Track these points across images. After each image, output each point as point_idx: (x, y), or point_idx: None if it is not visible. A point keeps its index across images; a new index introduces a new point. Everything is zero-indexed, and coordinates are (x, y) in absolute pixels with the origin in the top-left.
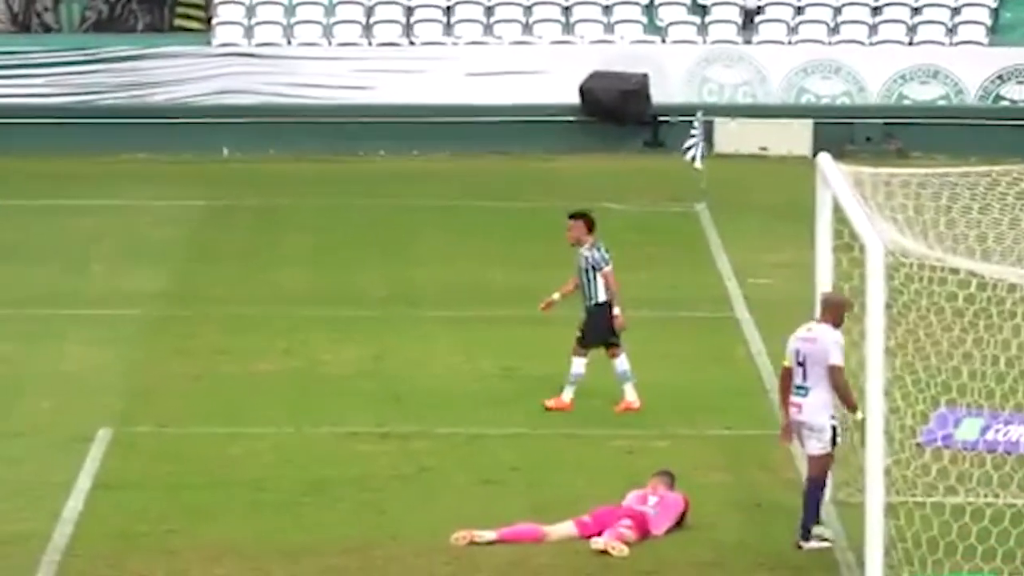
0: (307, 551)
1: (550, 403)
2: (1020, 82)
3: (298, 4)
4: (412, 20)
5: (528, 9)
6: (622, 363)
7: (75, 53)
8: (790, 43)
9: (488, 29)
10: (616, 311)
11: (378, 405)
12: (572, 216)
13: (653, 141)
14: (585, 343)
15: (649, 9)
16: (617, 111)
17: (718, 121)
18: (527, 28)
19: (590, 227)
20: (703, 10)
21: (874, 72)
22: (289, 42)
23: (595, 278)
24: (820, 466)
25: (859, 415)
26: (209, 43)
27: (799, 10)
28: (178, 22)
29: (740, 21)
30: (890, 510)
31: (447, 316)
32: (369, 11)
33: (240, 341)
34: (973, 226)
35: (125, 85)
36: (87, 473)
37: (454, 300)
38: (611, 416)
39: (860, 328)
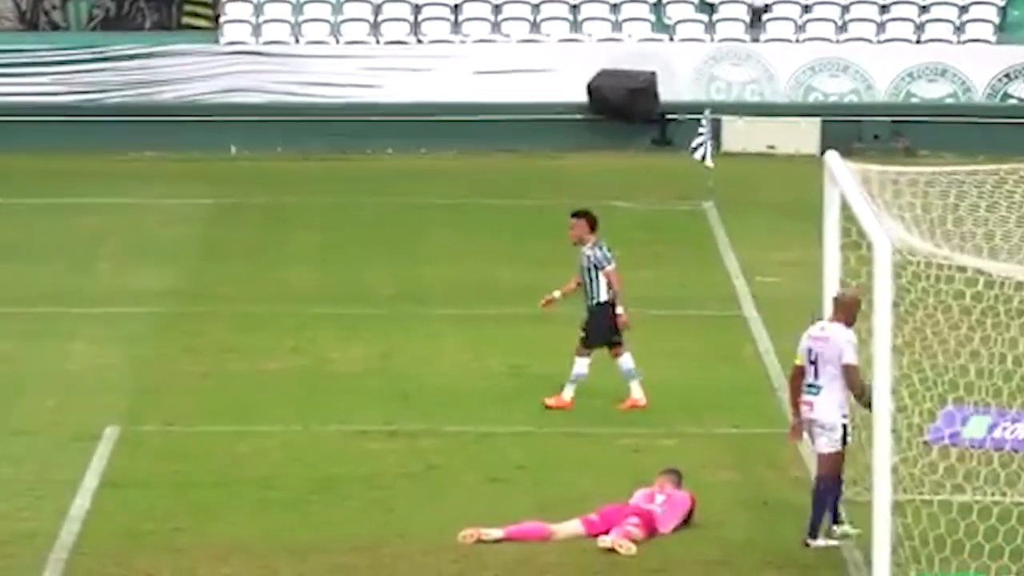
0: (315, 549)
1: (550, 402)
2: None
3: (306, 2)
4: (420, 18)
5: (536, 7)
6: (626, 361)
7: (83, 51)
8: (798, 41)
9: (496, 27)
10: (619, 310)
11: (386, 403)
12: (574, 215)
13: (661, 139)
14: (588, 343)
15: (657, 7)
16: (625, 109)
17: (726, 119)
18: (535, 26)
19: (592, 226)
20: (711, 8)
21: (882, 70)
22: (297, 40)
23: (597, 277)
24: (830, 464)
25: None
26: (217, 41)
27: (807, 8)
28: (186, 20)
29: (748, 19)
30: (897, 508)
31: (455, 314)
32: (377, 9)
33: (248, 339)
34: (980, 224)
35: (133, 83)
36: (94, 471)
37: (462, 298)
38: (618, 415)
39: (867, 326)
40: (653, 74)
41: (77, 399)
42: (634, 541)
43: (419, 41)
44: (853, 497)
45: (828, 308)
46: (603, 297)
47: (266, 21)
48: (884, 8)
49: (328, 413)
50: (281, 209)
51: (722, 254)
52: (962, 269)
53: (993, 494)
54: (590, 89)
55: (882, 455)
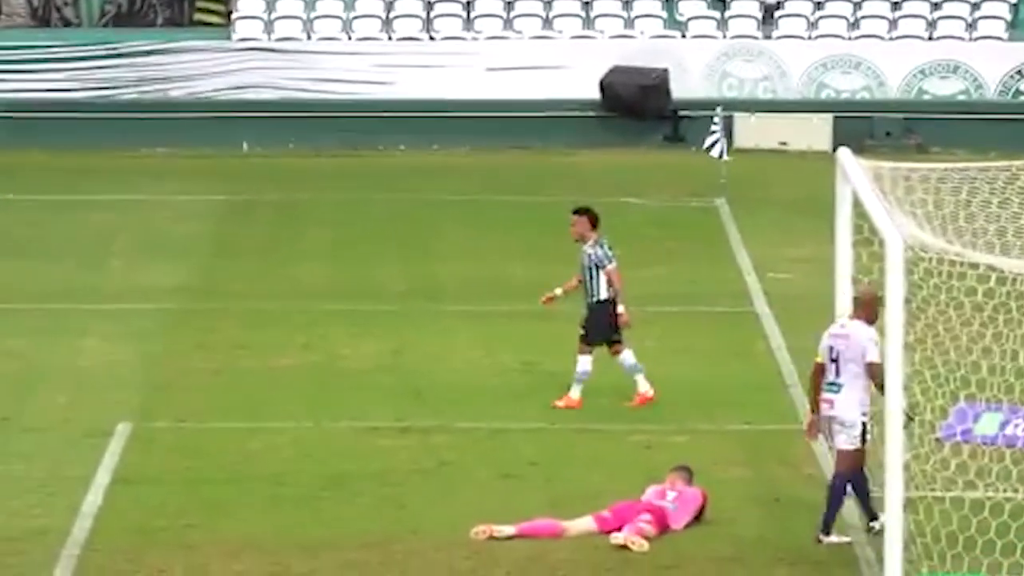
0: (326, 546)
1: (559, 403)
2: None
3: None
4: (432, 15)
5: (548, 4)
6: (628, 357)
7: (95, 48)
8: (810, 38)
9: (508, 24)
10: (620, 309)
11: (398, 399)
12: (576, 211)
13: (673, 136)
14: (589, 341)
15: (669, 4)
16: (637, 106)
17: (738, 116)
18: (547, 23)
19: (594, 223)
20: (723, 5)
21: (894, 67)
22: (309, 37)
23: (597, 275)
24: (849, 462)
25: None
26: (229, 38)
27: (819, 5)
28: (198, 17)
29: (760, 16)
30: (909, 505)
31: (467, 311)
32: (389, 6)
33: (259, 336)
34: (992, 221)
35: (145, 80)
36: (106, 468)
37: (474, 295)
38: (630, 411)
39: (879, 323)
40: (665, 71)
41: (89, 395)
42: (646, 538)
43: (431, 38)
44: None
45: (838, 304)
46: (603, 295)
47: (278, 18)
48: (896, 5)
49: (340, 409)
50: (293, 205)
51: (734, 250)
52: (974, 265)
53: (1005, 490)
54: (602, 86)
55: (894, 452)
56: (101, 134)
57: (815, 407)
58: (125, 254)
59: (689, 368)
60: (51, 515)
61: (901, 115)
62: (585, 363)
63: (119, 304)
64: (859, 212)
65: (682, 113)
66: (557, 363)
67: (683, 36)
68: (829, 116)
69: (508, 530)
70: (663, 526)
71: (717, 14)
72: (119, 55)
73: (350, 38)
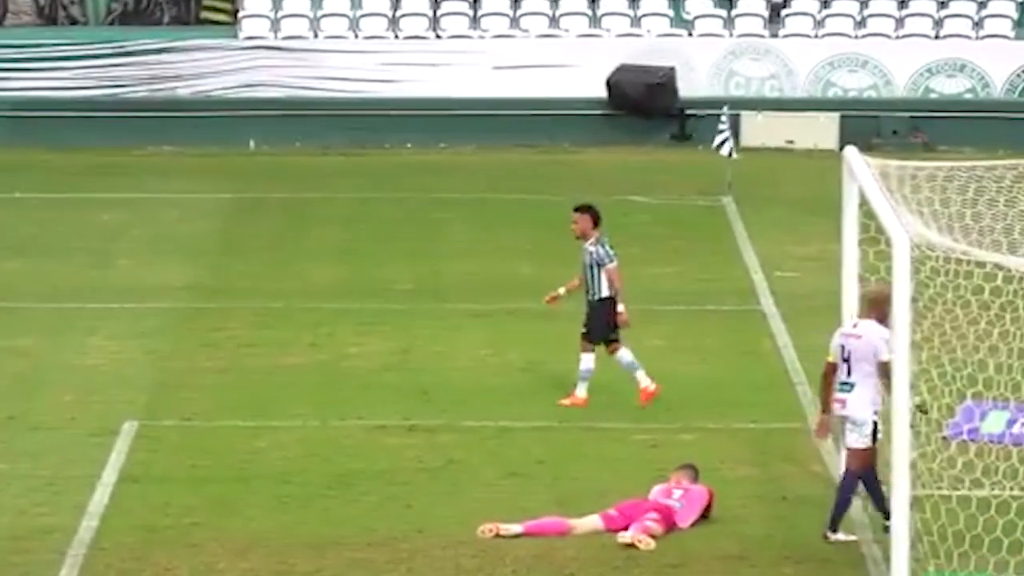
0: (333, 544)
1: (565, 401)
2: None
3: None
4: (438, 13)
5: (555, 2)
6: (625, 355)
7: (101, 46)
8: (817, 36)
9: (515, 22)
10: (620, 308)
11: (405, 398)
12: (577, 209)
13: (680, 134)
14: (591, 338)
15: (676, 2)
16: (644, 104)
17: (744, 114)
18: (554, 21)
19: (596, 221)
20: (730, 3)
21: (901, 66)
22: (316, 35)
23: (599, 274)
24: (859, 460)
25: (916, 399)
26: (235, 36)
27: (825, 3)
28: (204, 15)
29: (767, 14)
30: (916, 503)
31: (474, 309)
32: (395, 4)
33: (266, 334)
34: (999, 219)
35: (151, 78)
36: (112, 466)
37: (481, 293)
38: (636, 410)
39: (886, 321)
40: (672, 69)
41: (95, 394)
42: (653, 536)
43: (438, 36)
44: None
45: (845, 302)
46: (604, 293)
47: (285, 16)
48: (903, 3)
49: (346, 408)
50: (300, 204)
51: (741, 249)
52: (981, 264)
53: (1012, 489)
54: (609, 84)
55: (901, 450)
56: (107, 133)
57: (826, 407)
58: (132, 253)
59: (695, 366)
60: (57, 514)
61: (908, 113)
62: (588, 361)
63: (126, 303)
64: (866, 210)
65: (689, 112)
66: (564, 362)
67: (690, 35)
68: (836, 115)
69: (515, 528)
70: (670, 524)
71: (724, 12)
72: (125, 54)
73: (357, 37)
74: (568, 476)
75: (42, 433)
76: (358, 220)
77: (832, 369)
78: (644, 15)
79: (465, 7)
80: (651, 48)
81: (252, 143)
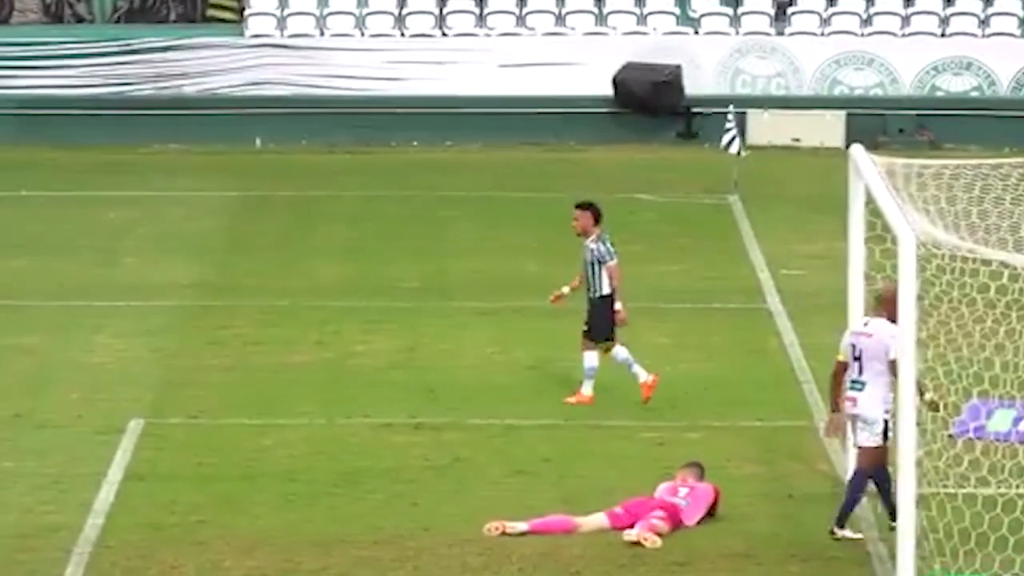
0: (339, 542)
1: (571, 400)
2: None
3: None
4: (445, 11)
5: (561, 0)
6: (619, 352)
7: (107, 44)
8: (823, 34)
9: (521, 20)
10: (618, 306)
11: (411, 396)
12: (579, 206)
13: (686, 132)
14: (593, 336)
15: (682, 0)
16: (650, 102)
17: (751, 112)
18: (560, 19)
19: (597, 218)
20: (736, 1)
21: (907, 64)
22: (322, 33)
23: (600, 271)
24: (870, 458)
25: (927, 396)
26: (242, 34)
27: (832, 1)
28: (211, 13)
29: (773, 12)
30: (922, 501)
31: (480, 307)
32: (402, 2)
33: (272, 332)
34: (1005, 217)
35: (157, 76)
36: (118, 464)
37: (487, 291)
38: (643, 408)
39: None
40: (678, 67)
41: (101, 392)
42: (659, 534)
43: (444, 34)
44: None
45: (851, 300)
46: (605, 290)
47: (291, 14)
48: (909, 1)
49: (353, 406)
50: (306, 202)
51: (747, 247)
52: (987, 262)
53: (1018, 487)
54: (615, 82)
55: (907, 448)
56: (114, 131)
57: (836, 406)
58: (138, 251)
59: (702, 364)
60: (63, 512)
61: (914, 111)
62: (591, 359)
63: (132, 301)
64: (872, 208)
65: (695, 110)
66: (570, 360)
67: (696, 33)
68: (842, 112)
69: (521, 526)
70: (676, 522)
71: (730, 11)
72: (131, 51)
73: (363, 34)
74: (574, 474)
75: (48, 431)
76: (364, 218)
77: (842, 368)
78: (650, 13)
79: (471, 5)
80: (657, 46)
81: (258, 141)
